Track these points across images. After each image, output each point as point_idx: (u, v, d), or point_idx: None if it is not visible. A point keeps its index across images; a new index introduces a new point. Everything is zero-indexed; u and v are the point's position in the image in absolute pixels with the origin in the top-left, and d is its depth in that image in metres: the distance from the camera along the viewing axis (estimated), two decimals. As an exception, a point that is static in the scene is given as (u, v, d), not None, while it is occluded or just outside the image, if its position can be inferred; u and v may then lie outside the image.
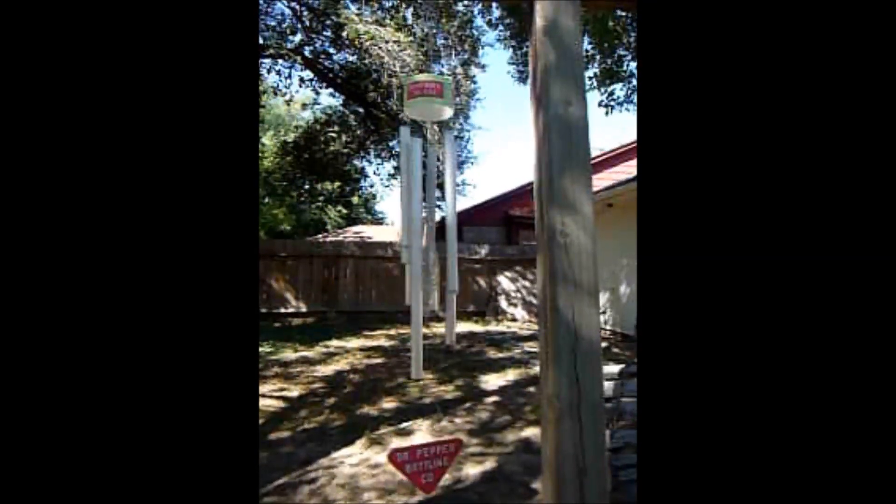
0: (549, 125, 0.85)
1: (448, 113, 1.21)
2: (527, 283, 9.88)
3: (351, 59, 7.80)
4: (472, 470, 2.59)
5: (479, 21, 6.56)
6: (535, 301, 9.74)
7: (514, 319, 9.58)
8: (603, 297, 7.94)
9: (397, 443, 2.95)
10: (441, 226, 1.37)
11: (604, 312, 7.82)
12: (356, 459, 2.71)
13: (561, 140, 0.84)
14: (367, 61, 6.57)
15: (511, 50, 6.07)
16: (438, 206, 6.37)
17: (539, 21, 0.88)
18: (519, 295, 9.83)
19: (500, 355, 5.82)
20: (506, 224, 11.75)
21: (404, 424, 3.28)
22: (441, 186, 4.81)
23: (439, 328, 7.15)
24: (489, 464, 2.68)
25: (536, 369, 5.04)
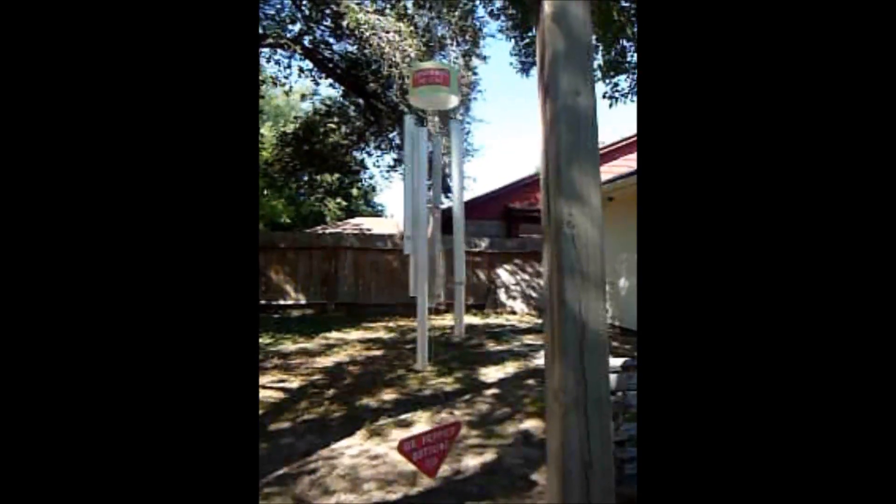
0: (556, 115, 0.83)
1: (454, 102, 1.19)
2: (526, 277, 9.88)
3: (351, 49, 7.71)
4: (471, 461, 2.60)
5: (480, 11, 6.48)
6: (534, 294, 9.74)
7: (513, 312, 9.59)
8: (602, 291, 7.93)
9: (397, 434, 2.96)
10: (447, 217, 1.35)
11: (603, 306, 7.81)
12: (356, 450, 2.71)
13: (569, 131, 0.82)
14: (367, 51, 6.50)
15: (513, 41, 6.00)
16: (447, 197, 6.32)
17: (547, 8, 0.86)
18: (518, 288, 9.84)
19: (500, 348, 5.83)
20: (505, 217, 11.72)
21: (404, 416, 3.29)
22: (445, 177, 4.78)
23: (438, 321, 7.15)
24: (489, 455, 2.69)
25: (536, 362, 5.04)
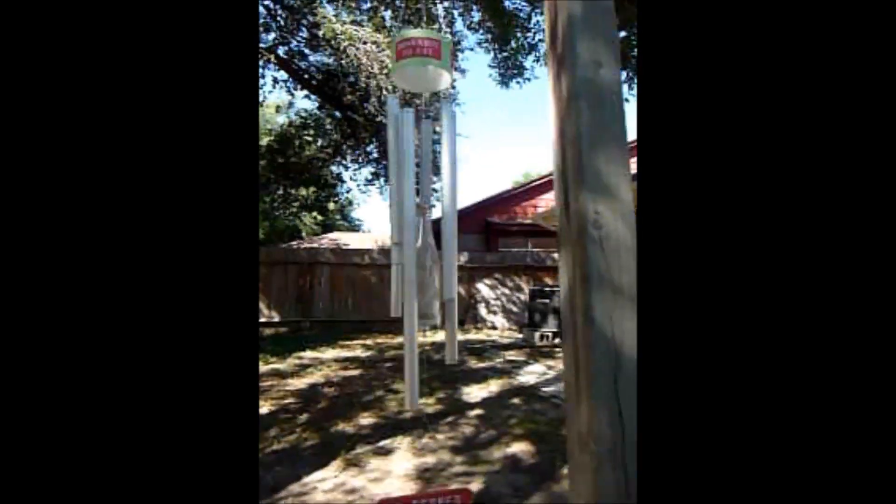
0: (575, 91, 0.67)
1: (446, 81, 0.97)
2: (506, 291, 9.79)
3: (327, 60, 7.58)
4: (457, 493, 2.40)
5: (459, 24, 6.46)
6: (514, 309, 9.64)
7: (493, 328, 9.46)
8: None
9: (376, 464, 2.72)
10: (435, 224, 1.17)
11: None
12: (330, 484, 2.47)
13: (591, 109, 0.66)
14: (343, 62, 6.37)
15: (492, 53, 5.97)
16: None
17: (559, -36, 0.71)
18: (499, 303, 9.72)
19: (482, 365, 5.65)
20: (485, 231, 11.66)
21: (383, 442, 3.06)
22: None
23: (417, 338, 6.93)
24: (475, 485, 2.49)
25: (520, 379, 4.88)
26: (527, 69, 5.95)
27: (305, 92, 8.62)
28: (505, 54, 5.82)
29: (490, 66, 6.07)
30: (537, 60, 5.83)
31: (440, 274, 0.94)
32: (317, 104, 9.27)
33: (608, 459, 0.58)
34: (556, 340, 7.45)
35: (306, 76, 8.16)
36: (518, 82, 6.06)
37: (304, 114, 9.87)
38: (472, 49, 6.75)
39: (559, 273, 0.73)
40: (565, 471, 2.68)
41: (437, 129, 1.07)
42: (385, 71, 5.92)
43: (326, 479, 2.53)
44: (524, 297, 9.33)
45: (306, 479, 2.52)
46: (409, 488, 2.43)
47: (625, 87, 5.49)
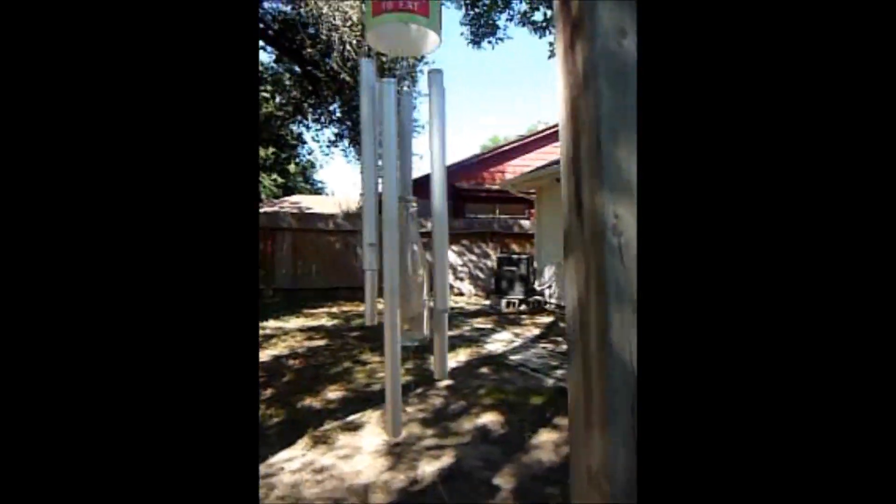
0: (594, 65, 0.55)
1: (433, 43, 0.80)
2: (473, 258, 9.83)
3: (284, 8, 6.97)
4: (428, 467, 2.39)
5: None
6: (481, 275, 9.71)
7: (460, 294, 9.53)
8: (549, 271, 8.03)
9: (344, 440, 2.68)
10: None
11: (549, 287, 7.92)
12: (298, 464, 2.41)
13: (612, 87, 0.55)
14: (303, 11, 5.87)
15: (464, 9, 5.64)
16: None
17: None
18: (465, 269, 9.76)
19: (450, 333, 5.65)
20: (452, 197, 11.52)
21: (352, 417, 3.01)
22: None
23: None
24: (446, 458, 2.50)
25: (488, 348, 4.93)
26: (500, 28, 5.68)
27: (261, 43, 7.96)
28: (477, 10, 5.52)
29: (461, 23, 5.75)
30: (511, 19, 5.57)
31: (428, 277, 0.83)
32: (273, 57, 8.62)
33: (623, 499, 0.51)
34: (522, 307, 7.58)
35: (261, 24, 7.50)
36: (490, 42, 5.79)
37: (259, 67, 9.17)
38: (443, 4, 6.37)
39: (567, 279, 0.64)
40: (535, 441, 2.74)
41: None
42: (349, 23, 5.50)
43: (294, 458, 2.47)
44: (491, 263, 9.38)
45: (272, 459, 2.44)
46: (379, 465, 2.41)
47: None
